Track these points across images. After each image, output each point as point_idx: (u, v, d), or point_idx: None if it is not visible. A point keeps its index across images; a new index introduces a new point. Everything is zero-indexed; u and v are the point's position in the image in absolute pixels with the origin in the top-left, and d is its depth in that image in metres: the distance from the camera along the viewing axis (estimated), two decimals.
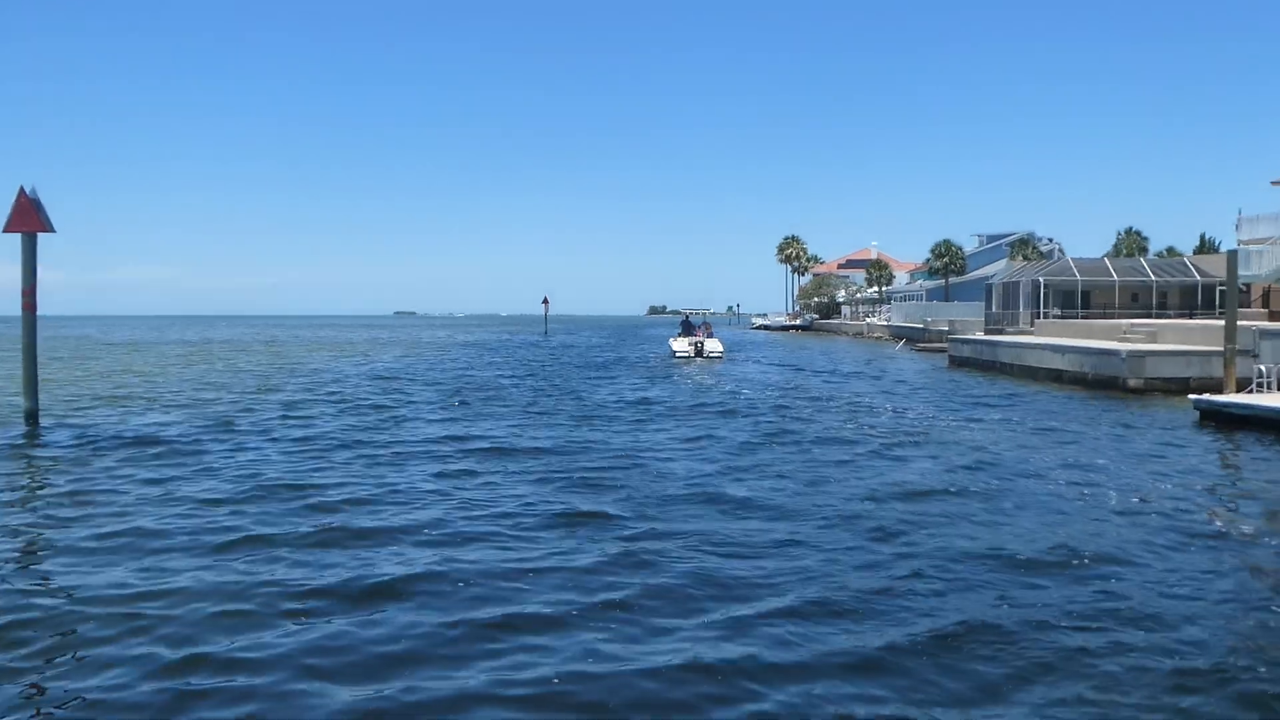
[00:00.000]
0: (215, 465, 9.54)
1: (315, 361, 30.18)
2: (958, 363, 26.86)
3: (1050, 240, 59.13)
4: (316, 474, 8.93)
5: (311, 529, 6.81)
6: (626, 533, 6.56)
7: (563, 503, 7.45)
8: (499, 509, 7.43)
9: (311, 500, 7.78)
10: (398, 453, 10.23)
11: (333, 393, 17.59)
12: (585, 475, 8.64)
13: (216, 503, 7.69)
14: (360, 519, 7.12)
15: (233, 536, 6.61)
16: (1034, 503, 7.93)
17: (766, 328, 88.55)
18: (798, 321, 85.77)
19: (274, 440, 11.16)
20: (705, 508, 7.31)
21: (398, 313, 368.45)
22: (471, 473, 9.06)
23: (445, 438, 11.18)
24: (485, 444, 10.64)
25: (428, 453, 10.13)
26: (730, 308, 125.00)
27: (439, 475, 8.83)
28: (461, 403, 14.78)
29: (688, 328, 34.71)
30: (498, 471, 9.12)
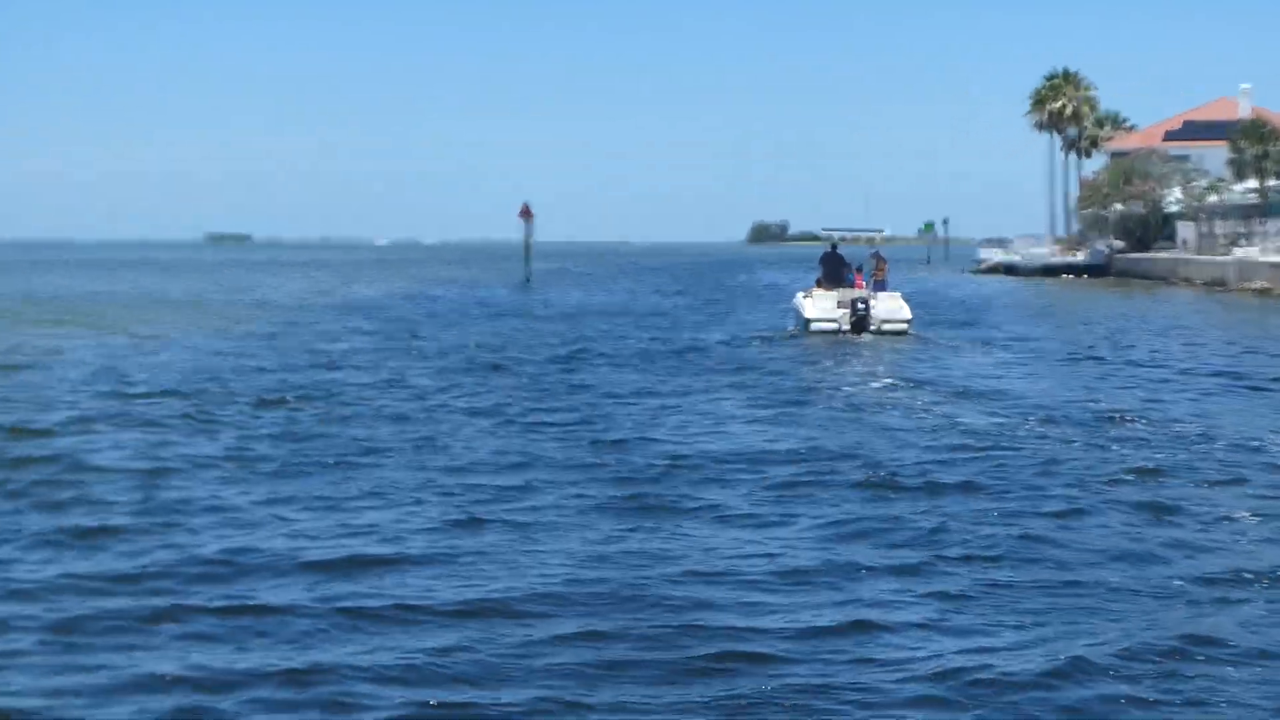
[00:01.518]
0: None
1: None
2: None
3: None
4: None
5: None
6: None
7: None
8: None
9: None
10: None
11: None
12: None
13: None
14: None
15: None
16: None
17: (1010, 269, 78.48)
18: (1078, 257, 74.65)
19: None
20: None
21: (212, 237, 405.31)
22: None
23: None
24: None
25: None
26: (927, 226, 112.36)
27: None
28: None
29: (833, 267, 31.78)
30: None
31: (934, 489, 11.97)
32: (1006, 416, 16.66)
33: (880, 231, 33.77)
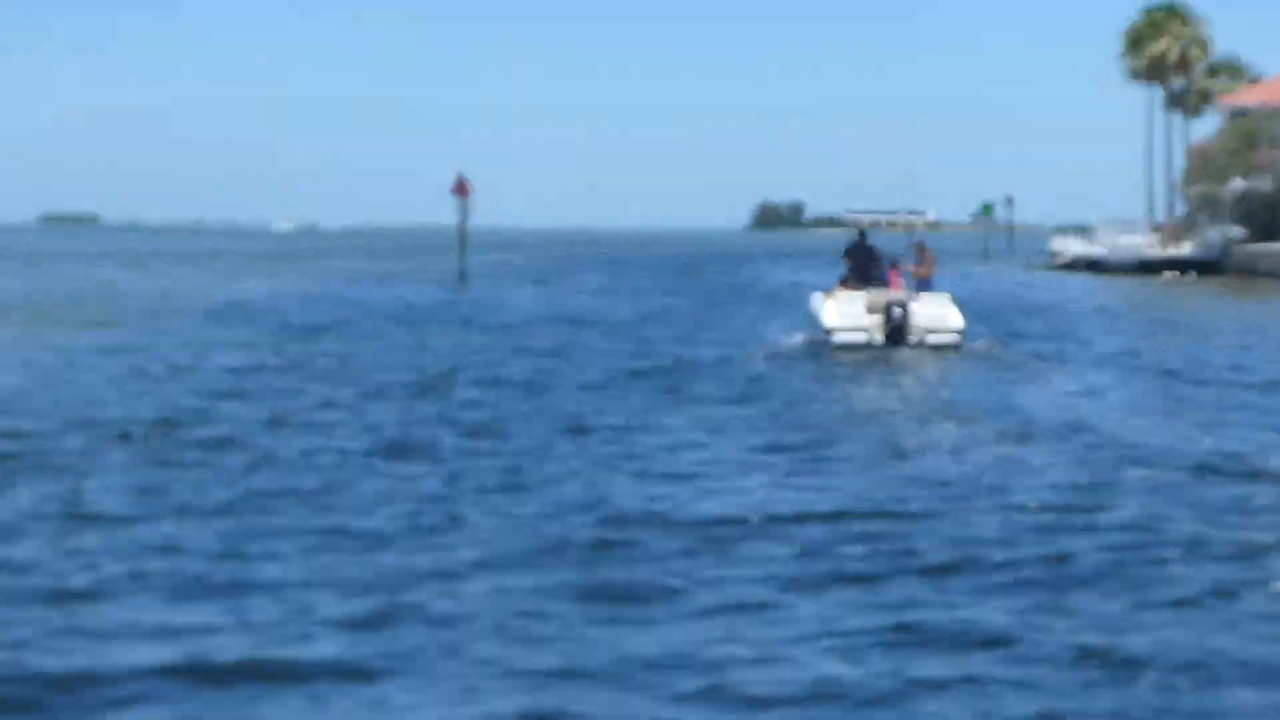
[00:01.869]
0: None
1: None
2: None
3: None
4: None
5: None
6: None
7: None
8: None
9: None
10: None
11: None
12: None
13: None
14: None
15: None
16: None
17: (1093, 265, 78.89)
18: (1184, 249, 75.61)
19: None
20: None
21: (47, 218, 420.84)
22: None
23: None
24: None
25: None
26: (985, 209, 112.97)
27: None
28: None
29: (862, 262, 32.44)
30: None
31: (1027, 574, 11.55)
32: (1101, 465, 16.45)
33: (923, 215, 33.72)
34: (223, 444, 17.68)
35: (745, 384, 24.76)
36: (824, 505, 14.20)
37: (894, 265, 31.96)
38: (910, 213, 33.41)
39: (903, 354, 29.27)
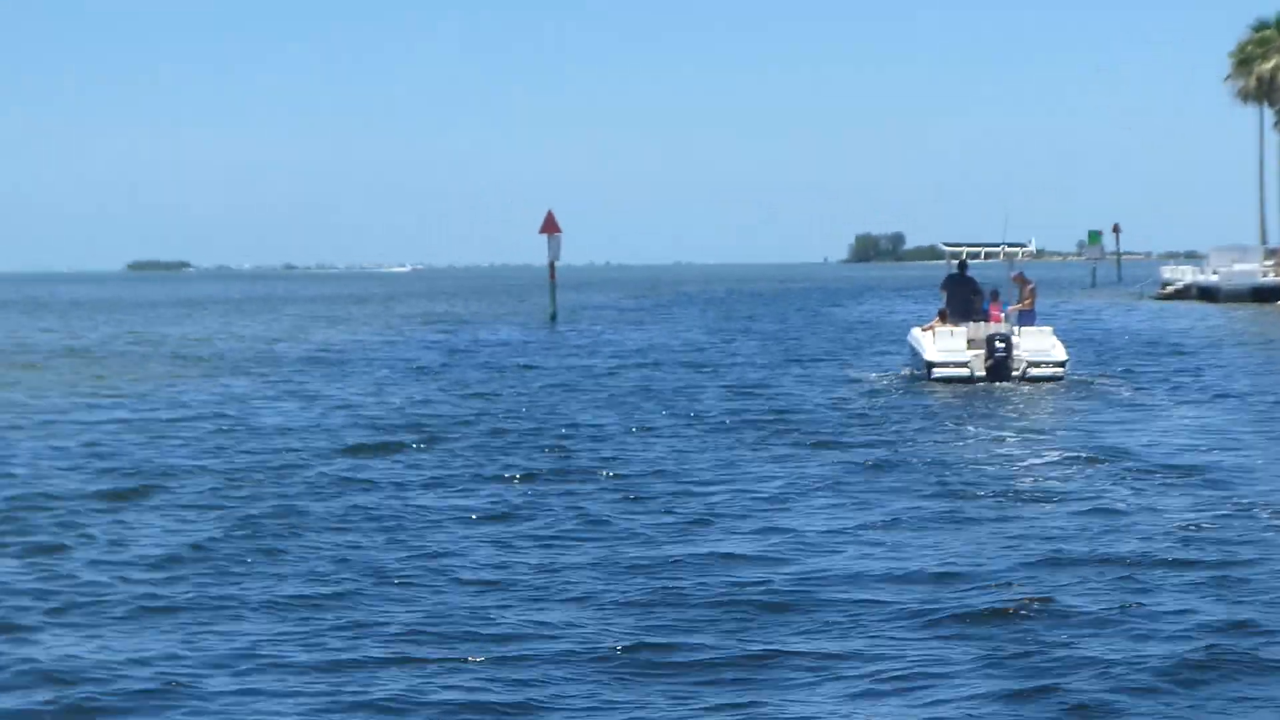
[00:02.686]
0: None
1: None
2: None
3: None
4: None
5: None
6: None
7: None
8: None
9: None
10: None
11: None
12: None
13: None
14: None
15: None
16: None
17: (1206, 293, 77.80)
18: None
19: None
20: None
21: (134, 266, 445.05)
22: None
23: None
24: None
25: None
26: (1093, 238, 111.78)
27: None
28: None
29: (961, 294, 32.57)
30: None
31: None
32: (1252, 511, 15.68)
33: (1024, 246, 33.81)
34: (309, 489, 17.55)
35: (848, 424, 24.29)
36: (945, 563, 13.49)
37: (995, 298, 31.84)
38: (1010, 244, 33.24)
39: (1006, 387, 29.17)
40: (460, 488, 18.18)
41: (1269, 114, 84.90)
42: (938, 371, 30.34)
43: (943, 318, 31.64)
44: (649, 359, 40.46)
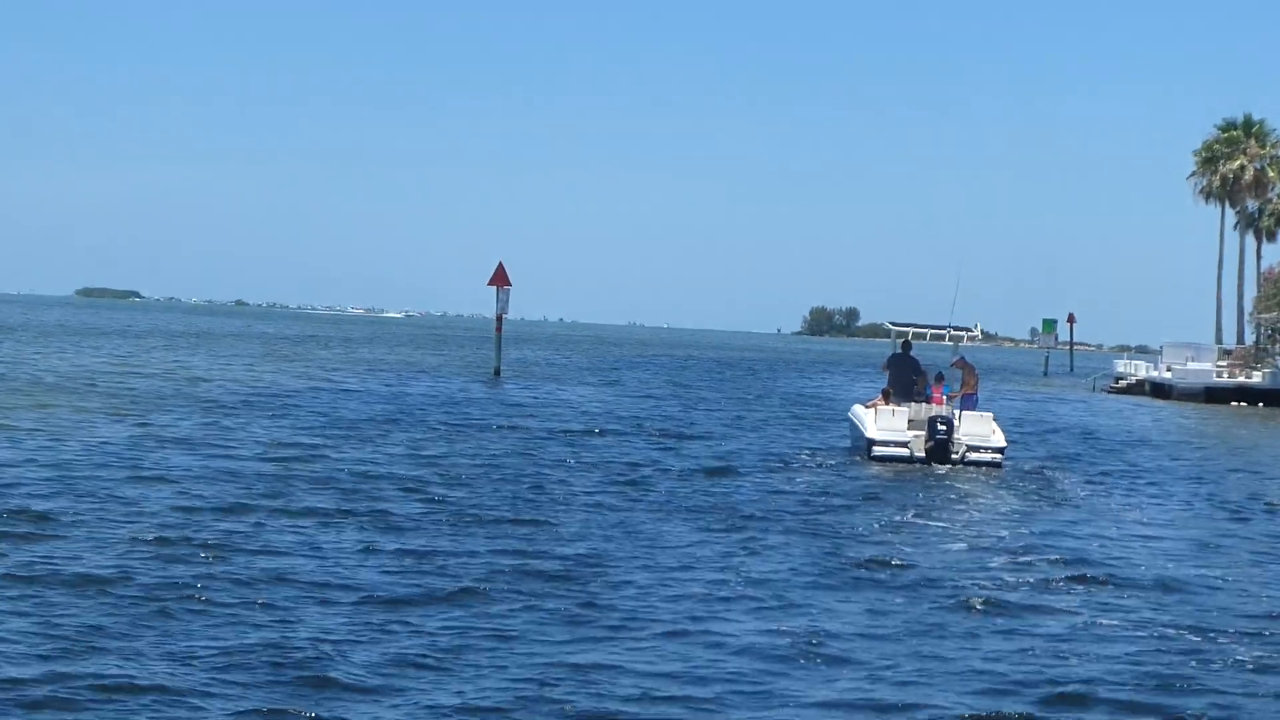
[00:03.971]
0: None
1: None
2: None
3: None
4: None
5: None
6: None
7: None
8: None
9: None
10: None
11: None
12: None
13: None
14: None
15: None
16: None
17: (1158, 389, 78.75)
18: (1254, 378, 75.09)
19: None
20: None
21: (83, 292, 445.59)
22: None
23: None
24: None
25: None
26: (1046, 326, 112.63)
27: None
28: None
29: (904, 374, 33.10)
30: None
31: None
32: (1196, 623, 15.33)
33: (969, 331, 34.16)
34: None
35: (782, 501, 23.95)
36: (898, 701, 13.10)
37: (938, 380, 32.03)
38: (955, 328, 33.47)
39: (944, 470, 29.29)
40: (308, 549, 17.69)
41: (1230, 214, 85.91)
42: (878, 450, 30.52)
43: (886, 396, 31.85)
44: (588, 424, 39.72)
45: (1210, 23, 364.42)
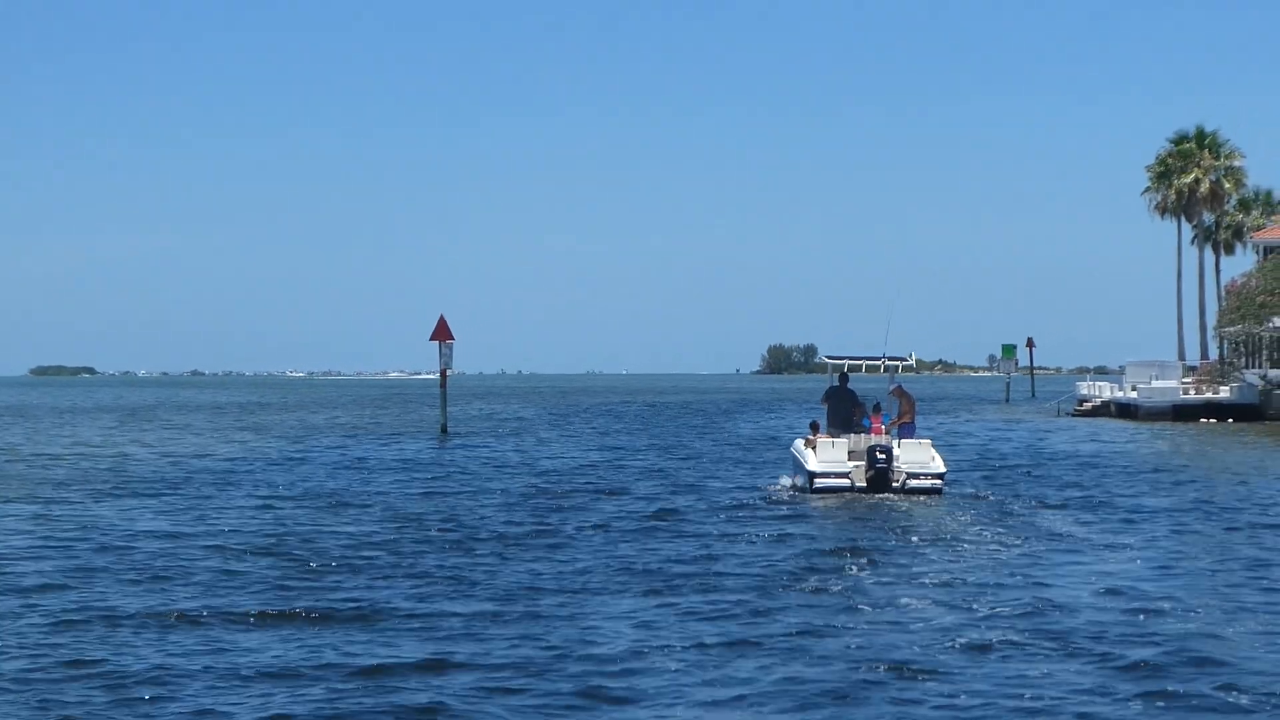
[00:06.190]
0: None
1: None
2: None
3: None
4: None
5: None
6: None
7: None
8: None
9: None
10: None
11: None
12: None
13: None
14: None
15: None
16: None
17: (1125, 410, 78.73)
18: (1221, 393, 74.98)
19: None
20: None
21: (36, 371, 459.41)
22: None
23: None
24: None
25: None
26: (1006, 351, 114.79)
27: None
28: None
29: (842, 406, 33.51)
30: None
31: None
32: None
33: (904, 360, 34.74)
34: None
35: (728, 546, 23.62)
36: None
37: (876, 410, 32.62)
38: (890, 358, 33.97)
39: (887, 499, 30.07)
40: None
41: (1187, 229, 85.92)
42: (820, 482, 31.53)
43: (814, 429, 32.80)
44: (531, 480, 38.87)
45: (1161, 35, 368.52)
